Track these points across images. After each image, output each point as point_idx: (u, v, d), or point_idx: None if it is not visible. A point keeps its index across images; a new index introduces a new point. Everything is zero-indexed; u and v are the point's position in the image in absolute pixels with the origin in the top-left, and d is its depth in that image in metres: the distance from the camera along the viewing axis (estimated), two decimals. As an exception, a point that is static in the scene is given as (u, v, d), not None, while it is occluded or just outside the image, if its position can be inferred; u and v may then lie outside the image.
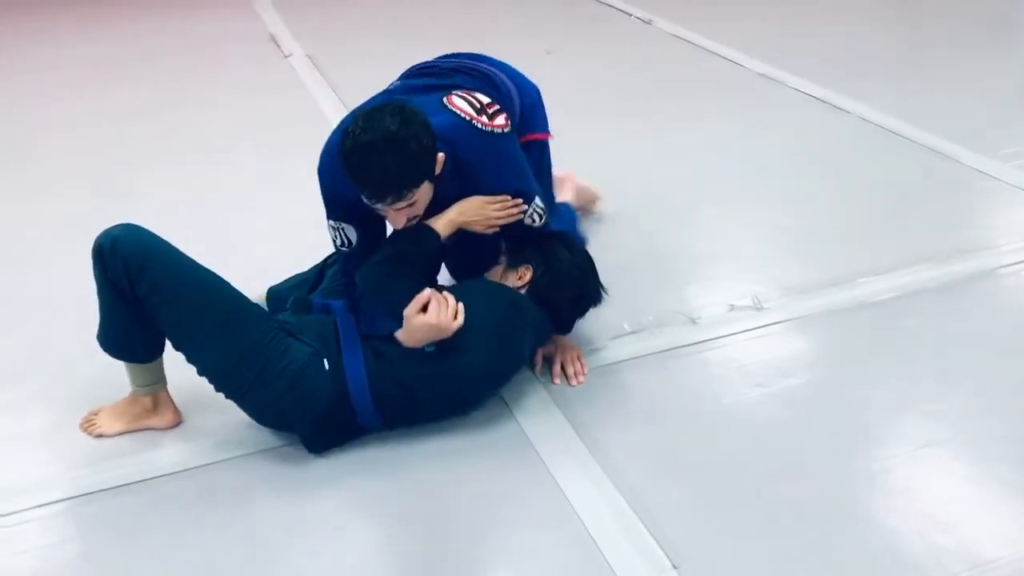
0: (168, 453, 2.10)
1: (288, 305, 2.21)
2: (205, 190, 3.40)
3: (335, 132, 2.12)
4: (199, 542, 1.86)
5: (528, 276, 2.19)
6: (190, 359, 2.02)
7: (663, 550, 1.77)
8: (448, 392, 2.07)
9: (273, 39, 5.13)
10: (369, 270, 2.09)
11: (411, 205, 1.99)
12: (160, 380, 2.13)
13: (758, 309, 2.51)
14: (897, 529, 1.80)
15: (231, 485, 2.00)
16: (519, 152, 2.23)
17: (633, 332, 2.43)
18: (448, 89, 2.20)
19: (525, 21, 5.36)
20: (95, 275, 1.99)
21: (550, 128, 2.48)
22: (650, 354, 2.35)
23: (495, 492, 1.96)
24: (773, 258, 2.79)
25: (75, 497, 1.98)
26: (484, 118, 2.12)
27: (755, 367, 2.29)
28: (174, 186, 3.43)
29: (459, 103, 2.13)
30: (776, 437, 2.07)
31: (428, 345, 2.02)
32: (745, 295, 2.57)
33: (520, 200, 2.16)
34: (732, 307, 2.52)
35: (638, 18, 5.25)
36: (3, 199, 3.43)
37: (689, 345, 2.38)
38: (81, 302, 2.19)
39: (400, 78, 2.42)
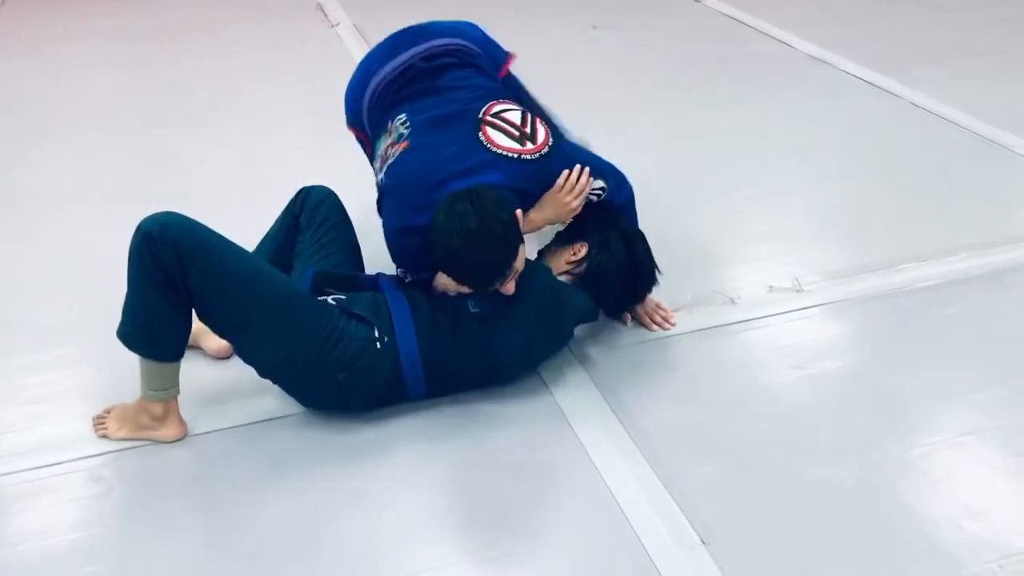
0: (215, 411, 2.15)
1: (334, 282, 2.20)
2: (255, 163, 3.41)
3: None
4: (242, 501, 1.91)
5: (583, 252, 2.22)
6: (240, 346, 2.04)
7: (693, 526, 1.79)
8: (489, 363, 2.10)
9: (320, 7, 5.16)
10: None
11: (515, 272, 2.04)
12: (174, 386, 2.05)
13: (798, 291, 2.50)
14: (931, 516, 1.80)
15: (278, 446, 2.05)
16: (567, 149, 2.24)
17: (673, 310, 2.43)
18: (463, 114, 2.18)
19: (572, -6, 5.33)
20: (134, 263, 1.94)
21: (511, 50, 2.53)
22: (687, 332, 2.36)
23: (529, 463, 1.98)
24: (815, 241, 2.77)
25: (121, 451, 2.04)
26: (529, 144, 2.13)
27: (793, 349, 2.29)
28: (222, 161, 3.44)
29: (497, 138, 2.13)
30: (812, 419, 2.07)
31: (473, 305, 2.07)
32: (785, 277, 2.56)
33: (581, 168, 2.19)
34: (771, 288, 2.52)
35: (687, -5, 5.20)
36: (49, 161, 3.48)
37: (727, 325, 2.39)
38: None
39: (381, 87, 2.38)
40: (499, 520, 1.85)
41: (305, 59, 4.44)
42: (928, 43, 4.37)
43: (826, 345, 2.32)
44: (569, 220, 2.27)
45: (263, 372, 2.06)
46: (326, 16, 5.02)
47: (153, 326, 1.99)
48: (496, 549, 1.78)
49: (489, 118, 2.16)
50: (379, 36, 2.50)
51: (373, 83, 2.43)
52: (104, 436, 2.10)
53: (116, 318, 1.99)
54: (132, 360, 2.02)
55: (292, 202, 2.38)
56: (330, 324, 2.01)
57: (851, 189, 3.07)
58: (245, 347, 2.03)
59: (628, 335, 2.35)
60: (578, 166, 2.19)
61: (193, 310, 2.01)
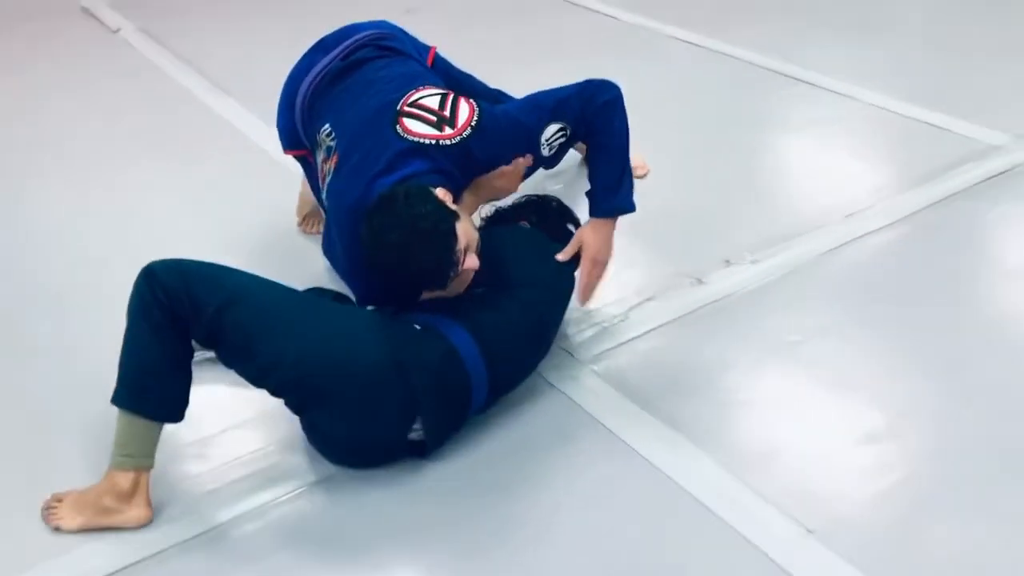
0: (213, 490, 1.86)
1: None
2: (90, 201, 2.99)
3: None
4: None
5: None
6: (269, 375, 1.80)
7: (791, 517, 1.77)
8: (528, 332, 2.02)
9: (89, 12, 4.57)
10: None
11: (466, 252, 1.91)
12: (151, 456, 1.80)
13: (754, 263, 2.54)
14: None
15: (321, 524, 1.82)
16: (495, 123, 2.11)
17: (648, 299, 2.39)
18: (382, 110, 2.07)
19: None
20: (132, 307, 1.76)
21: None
22: (668, 323, 2.33)
23: (598, 484, 1.88)
24: (739, 212, 2.83)
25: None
26: (447, 128, 2.03)
27: (776, 318, 2.33)
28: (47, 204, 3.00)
29: (414, 127, 2.03)
30: (831, 380, 2.13)
31: (476, 287, 1.98)
32: (733, 250, 2.59)
33: (524, 157, 2.13)
34: (728, 262, 2.54)
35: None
36: None
37: (707, 305, 2.39)
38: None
39: (307, 100, 2.26)
40: (602, 548, 1.75)
41: (101, 74, 3.93)
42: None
43: (809, 307, 2.38)
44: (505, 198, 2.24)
45: (301, 396, 1.83)
46: (101, 21, 4.46)
47: (147, 373, 1.76)
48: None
49: (407, 108, 2.06)
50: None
51: (299, 100, 2.27)
52: (57, 528, 1.79)
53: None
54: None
55: None
56: (397, 328, 1.86)
57: (741, 157, 3.15)
58: (282, 369, 1.78)
59: (612, 337, 2.29)
60: (517, 161, 2.12)
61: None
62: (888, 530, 1.75)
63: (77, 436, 2.01)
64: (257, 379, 1.83)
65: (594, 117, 2.11)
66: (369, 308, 2.06)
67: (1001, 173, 2.92)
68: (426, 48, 2.44)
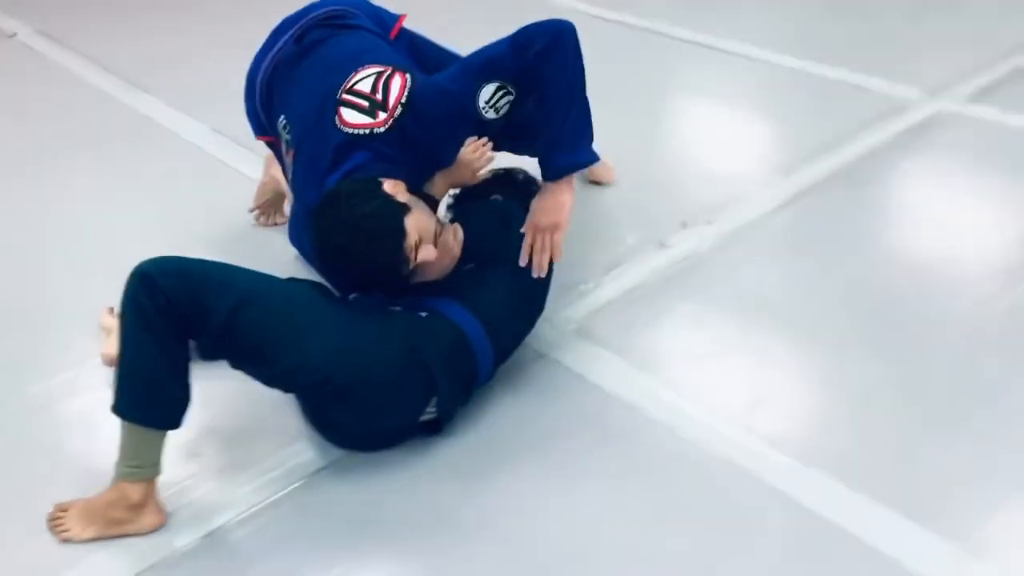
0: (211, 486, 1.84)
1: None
2: (25, 209, 2.89)
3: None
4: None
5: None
6: (291, 378, 1.78)
7: (783, 449, 1.88)
8: (524, 293, 2.06)
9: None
10: None
11: (419, 246, 1.87)
12: (159, 462, 1.77)
13: (709, 223, 2.65)
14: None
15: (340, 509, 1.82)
16: (425, 96, 1.99)
17: (617, 265, 2.47)
18: (325, 99, 2.02)
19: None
20: (128, 314, 1.68)
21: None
22: (642, 283, 2.41)
23: (602, 442, 1.95)
24: (682, 178, 2.93)
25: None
26: (381, 113, 1.97)
27: (741, 273, 2.44)
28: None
29: (350, 117, 1.98)
30: (792, 326, 2.24)
31: (466, 264, 2.01)
32: (686, 213, 2.69)
33: (482, 141, 2.15)
34: (685, 224, 2.64)
35: None
36: None
37: (674, 265, 2.48)
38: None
39: (263, 86, 2.24)
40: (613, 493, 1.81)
41: (6, 80, 3.75)
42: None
43: (761, 264, 2.49)
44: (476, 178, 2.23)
45: (325, 386, 1.78)
46: (-9, 26, 4.26)
47: (151, 383, 1.70)
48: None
49: (344, 96, 2.01)
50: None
51: (257, 85, 2.24)
52: (67, 540, 1.75)
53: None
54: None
55: None
56: (407, 319, 1.86)
57: (672, 126, 3.26)
58: (307, 362, 1.74)
59: (589, 303, 2.35)
60: (482, 142, 2.14)
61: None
62: (876, 455, 1.88)
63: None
64: (273, 381, 1.81)
65: (536, 67, 1.92)
66: (353, 297, 2.03)
67: (917, 125, 3.11)
68: (394, 18, 2.35)
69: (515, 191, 2.29)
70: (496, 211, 2.20)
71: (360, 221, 1.82)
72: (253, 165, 2.86)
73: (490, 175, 2.34)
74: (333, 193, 1.89)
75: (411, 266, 1.87)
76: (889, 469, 1.84)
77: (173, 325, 1.67)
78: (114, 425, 1.73)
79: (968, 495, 1.77)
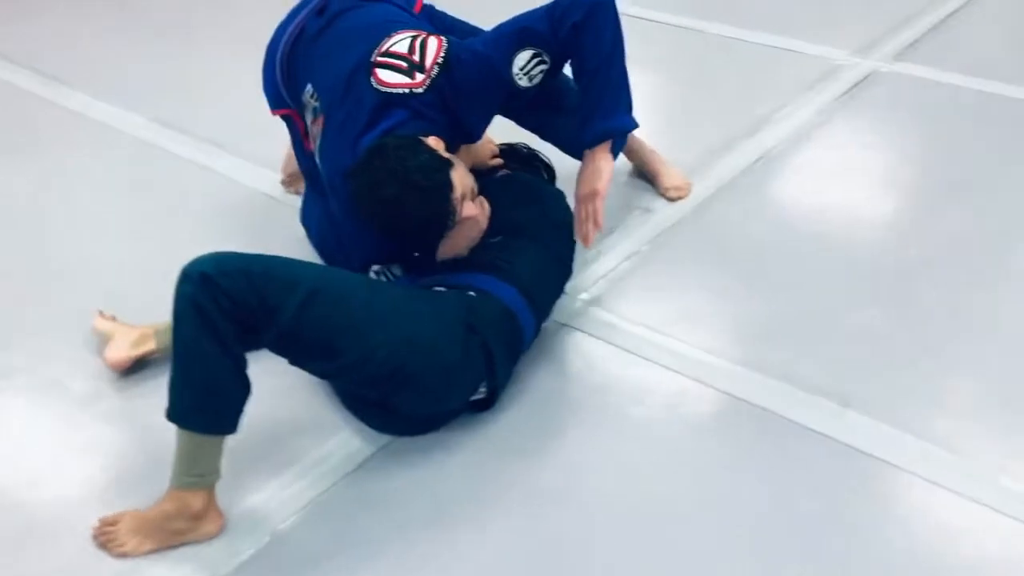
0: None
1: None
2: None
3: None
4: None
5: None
6: (358, 370, 1.74)
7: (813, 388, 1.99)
8: (555, 258, 2.11)
9: None
10: None
11: (463, 199, 1.91)
12: (219, 468, 1.70)
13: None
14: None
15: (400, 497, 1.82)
16: (461, 59, 2.02)
17: (610, 232, 2.51)
18: (358, 65, 2.02)
19: None
20: (188, 319, 1.60)
21: None
22: (640, 249, 2.47)
23: (635, 402, 2.00)
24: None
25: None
26: (419, 75, 1.99)
27: (731, 231, 2.53)
28: None
29: (388, 77, 1.99)
30: (791, 270, 2.36)
31: (493, 236, 2.03)
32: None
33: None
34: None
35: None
36: None
37: (665, 230, 2.55)
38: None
39: (284, 59, 2.22)
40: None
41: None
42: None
43: (748, 221, 2.59)
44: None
45: (390, 375, 1.74)
46: None
47: (214, 391, 1.64)
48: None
49: (379, 59, 2.02)
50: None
51: (278, 57, 2.22)
52: (123, 555, 1.68)
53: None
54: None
55: None
56: (458, 299, 1.85)
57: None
58: (373, 355, 1.71)
59: (596, 271, 2.40)
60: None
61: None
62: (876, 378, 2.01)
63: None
64: (336, 374, 1.79)
65: (572, 38, 1.99)
66: (406, 282, 2.04)
67: (855, 84, 3.27)
68: None
69: (520, 165, 2.31)
70: (514, 183, 2.22)
71: (410, 173, 1.83)
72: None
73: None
74: (378, 147, 1.88)
75: (455, 220, 1.88)
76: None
77: (236, 325, 1.61)
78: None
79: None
